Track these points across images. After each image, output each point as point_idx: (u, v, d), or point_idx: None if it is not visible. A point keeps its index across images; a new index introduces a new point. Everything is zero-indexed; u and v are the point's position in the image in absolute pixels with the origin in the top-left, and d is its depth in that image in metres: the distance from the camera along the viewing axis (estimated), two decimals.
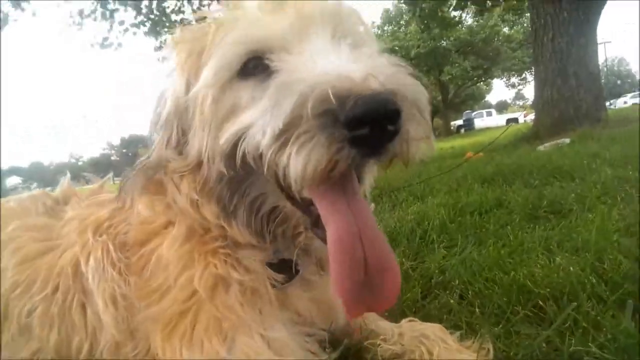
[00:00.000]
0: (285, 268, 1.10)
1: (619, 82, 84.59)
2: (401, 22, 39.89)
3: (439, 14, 15.41)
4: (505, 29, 40.91)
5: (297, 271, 1.12)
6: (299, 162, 0.75)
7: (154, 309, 1.04)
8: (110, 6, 12.76)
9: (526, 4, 13.37)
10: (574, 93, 8.43)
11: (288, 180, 0.80)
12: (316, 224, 0.96)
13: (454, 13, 16.36)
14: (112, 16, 12.89)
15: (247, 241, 1.06)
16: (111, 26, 13.10)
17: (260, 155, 0.86)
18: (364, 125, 0.72)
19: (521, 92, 76.79)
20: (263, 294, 1.07)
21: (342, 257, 0.86)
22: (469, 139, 20.91)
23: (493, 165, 4.98)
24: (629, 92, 58.57)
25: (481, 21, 36.12)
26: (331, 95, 0.72)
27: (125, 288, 1.12)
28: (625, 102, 41.13)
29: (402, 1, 15.85)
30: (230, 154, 0.95)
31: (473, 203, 3.17)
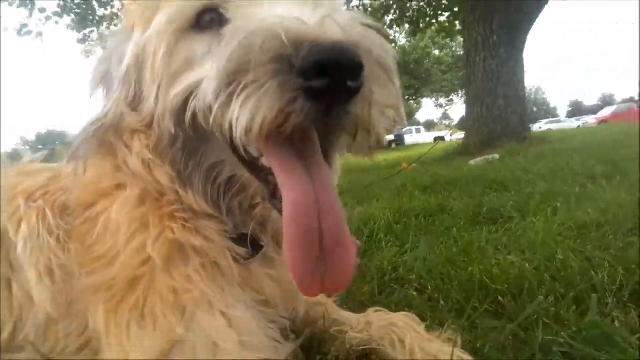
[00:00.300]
0: (244, 243, 0.98)
1: (535, 109, 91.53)
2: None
3: None
4: (436, 52, 43.02)
5: (260, 246, 1.01)
6: (245, 113, 0.67)
7: (97, 276, 0.89)
8: None
9: (457, 27, 14.16)
10: (502, 112, 8.94)
11: (234, 136, 0.71)
12: (274, 194, 0.86)
13: (389, 31, 16.83)
14: (32, 2, 11.91)
15: (203, 210, 0.95)
16: (31, 13, 12.11)
17: (210, 111, 0.76)
18: (322, 76, 0.64)
19: (447, 112, 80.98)
20: (225, 268, 0.95)
21: (296, 225, 0.75)
22: (400, 153, 21.60)
23: (430, 176, 5.11)
24: (544, 119, 63.63)
25: (413, 42, 37.65)
26: (284, 38, 0.64)
27: (64, 257, 0.97)
28: (540, 127, 44.41)
29: None
30: (180, 112, 0.86)
31: (417, 208, 3.20)
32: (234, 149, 0.84)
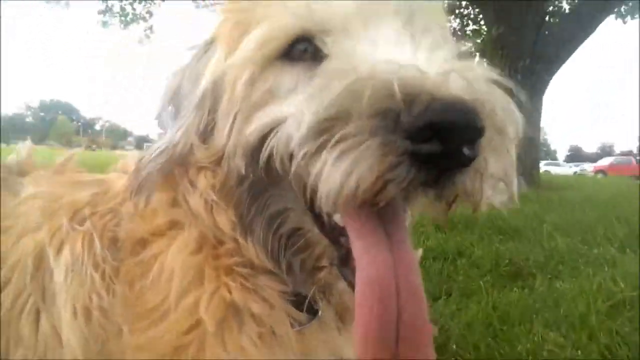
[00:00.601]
0: (302, 306, 0.85)
1: None
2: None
3: None
4: None
5: (316, 311, 0.87)
6: (337, 172, 0.54)
7: (143, 335, 0.78)
8: None
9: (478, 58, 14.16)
10: (517, 155, 8.87)
11: (318, 194, 0.58)
12: (345, 261, 0.73)
13: None
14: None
15: (263, 265, 0.82)
16: None
17: (291, 157, 0.64)
18: (434, 139, 0.51)
19: None
20: (282, 337, 0.83)
21: (371, 307, 0.62)
22: None
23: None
24: (543, 160, 64.06)
25: None
26: (396, 89, 0.52)
27: (107, 299, 0.83)
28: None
29: None
30: (255, 150, 0.74)
31: (434, 248, 3.12)
32: (307, 201, 0.71)
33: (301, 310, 0.85)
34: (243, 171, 0.76)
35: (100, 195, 0.96)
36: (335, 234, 0.74)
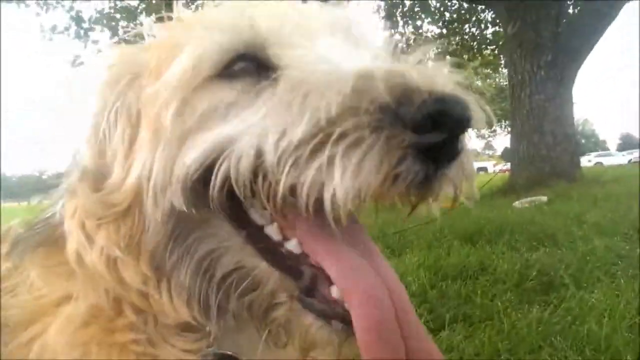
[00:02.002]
0: None
1: (583, 141, 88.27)
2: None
3: None
4: (478, 82, 42.43)
5: None
6: (348, 169, 0.52)
7: None
8: (85, 25, 12.30)
9: (502, 59, 13.81)
10: (550, 151, 8.44)
11: (326, 196, 0.53)
12: (310, 291, 0.66)
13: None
14: (86, 35, 12.44)
15: (180, 320, 0.72)
16: (85, 45, 12.66)
17: (254, 179, 0.60)
18: (437, 130, 0.53)
19: (490, 142, 79.11)
20: None
21: (380, 346, 0.58)
22: None
23: (471, 220, 4.74)
24: (592, 151, 61.11)
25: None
26: (393, 85, 0.53)
27: None
28: (589, 161, 42.71)
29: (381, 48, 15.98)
30: (198, 180, 0.65)
31: (455, 265, 2.91)
32: (251, 231, 0.68)
33: None
34: (184, 206, 0.66)
35: (12, 269, 0.89)
36: (293, 263, 0.68)
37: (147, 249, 0.71)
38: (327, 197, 0.53)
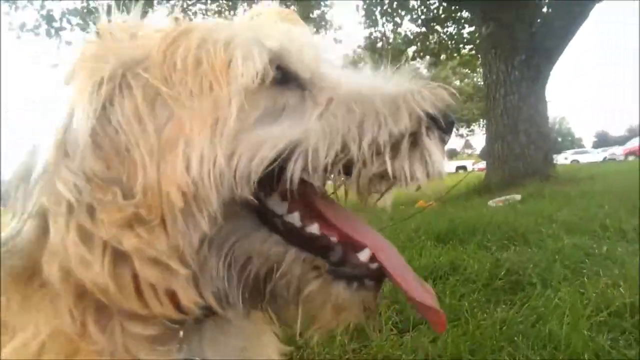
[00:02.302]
0: None
1: (559, 139, 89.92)
2: (359, 66, 40.57)
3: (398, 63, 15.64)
4: (457, 82, 42.77)
5: None
6: (436, 154, 0.76)
7: None
8: (56, 24, 11.87)
9: (479, 59, 13.98)
10: (524, 150, 8.57)
11: (412, 179, 0.74)
12: (342, 260, 0.77)
13: (412, 63, 16.76)
14: (57, 34, 12.07)
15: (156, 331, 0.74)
16: (58, 47, 12.28)
17: (318, 168, 0.72)
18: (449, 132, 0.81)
19: (469, 141, 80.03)
20: None
21: (408, 280, 0.77)
22: None
23: (446, 220, 4.78)
24: (570, 149, 62.32)
25: (434, 72, 37.52)
26: (442, 99, 0.79)
27: None
28: (565, 158, 43.51)
29: (362, 46, 15.96)
30: (268, 175, 0.71)
31: (427, 266, 2.92)
32: (275, 221, 0.77)
33: None
34: (252, 199, 0.71)
35: None
36: (317, 243, 0.77)
37: (184, 244, 0.68)
38: (432, 165, 0.75)
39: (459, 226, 4.26)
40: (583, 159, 41.81)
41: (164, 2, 12.17)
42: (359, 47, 16.42)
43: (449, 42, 14.52)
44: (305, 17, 14.47)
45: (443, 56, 15.22)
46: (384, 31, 15.13)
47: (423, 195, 9.44)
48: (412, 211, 5.98)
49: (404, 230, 4.36)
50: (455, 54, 15.28)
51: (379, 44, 15.08)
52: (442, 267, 2.88)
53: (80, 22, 11.76)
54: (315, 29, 15.91)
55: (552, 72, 9.26)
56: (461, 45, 14.73)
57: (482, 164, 13.52)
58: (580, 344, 1.51)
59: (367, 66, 0.94)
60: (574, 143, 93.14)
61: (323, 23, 15.58)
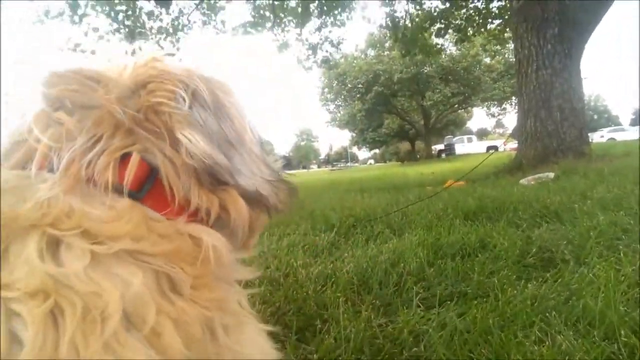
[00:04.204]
0: None
1: (595, 117, 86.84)
2: (385, 46, 39.91)
3: (420, 40, 15.25)
4: (487, 59, 41.55)
5: None
6: None
7: None
8: (80, 11, 12.12)
9: (508, 34, 13.51)
10: (557, 126, 8.26)
11: None
12: None
13: (436, 40, 16.32)
14: (80, 21, 12.26)
15: None
16: (86, 33, 12.52)
17: None
18: None
19: (501, 120, 78.04)
20: None
21: None
22: (450, 164, 20.91)
23: (475, 198, 4.69)
24: (606, 127, 60.03)
25: (463, 50, 36.52)
26: None
27: None
28: (601, 136, 42.02)
29: (383, 26, 15.59)
30: None
31: (455, 243, 2.86)
32: None
33: None
34: None
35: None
36: None
37: None
38: None
39: (488, 204, 4.17)
40: (619, 136, 40.15)
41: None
42: (380, 26, 16.00)
43: (476, 17, 14.09)
44: None
45: (470, 31, 14.76)
46: (408, 9, 14.79)
47: (454, 173, 9.29)
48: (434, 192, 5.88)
49: (432, 209, 4.30)
50: (482, 29, 14.80)
51: (400, 23, 14.74)
52: (470, 244, 2.82)
53: (106, 9, 11.93)
54: (340, 9, 15.71)
55: (587, 48, 8.86)
56: (489, 20, 14.27)
57: (514, 144, 13.14)
58: (615, 319, 1.46)
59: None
60: (610, 121, 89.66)
61: (348, 2, 15.34)
